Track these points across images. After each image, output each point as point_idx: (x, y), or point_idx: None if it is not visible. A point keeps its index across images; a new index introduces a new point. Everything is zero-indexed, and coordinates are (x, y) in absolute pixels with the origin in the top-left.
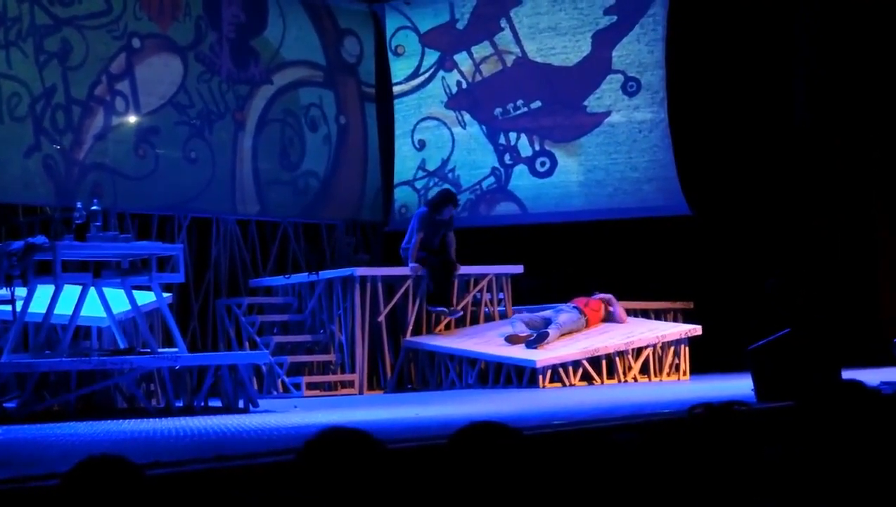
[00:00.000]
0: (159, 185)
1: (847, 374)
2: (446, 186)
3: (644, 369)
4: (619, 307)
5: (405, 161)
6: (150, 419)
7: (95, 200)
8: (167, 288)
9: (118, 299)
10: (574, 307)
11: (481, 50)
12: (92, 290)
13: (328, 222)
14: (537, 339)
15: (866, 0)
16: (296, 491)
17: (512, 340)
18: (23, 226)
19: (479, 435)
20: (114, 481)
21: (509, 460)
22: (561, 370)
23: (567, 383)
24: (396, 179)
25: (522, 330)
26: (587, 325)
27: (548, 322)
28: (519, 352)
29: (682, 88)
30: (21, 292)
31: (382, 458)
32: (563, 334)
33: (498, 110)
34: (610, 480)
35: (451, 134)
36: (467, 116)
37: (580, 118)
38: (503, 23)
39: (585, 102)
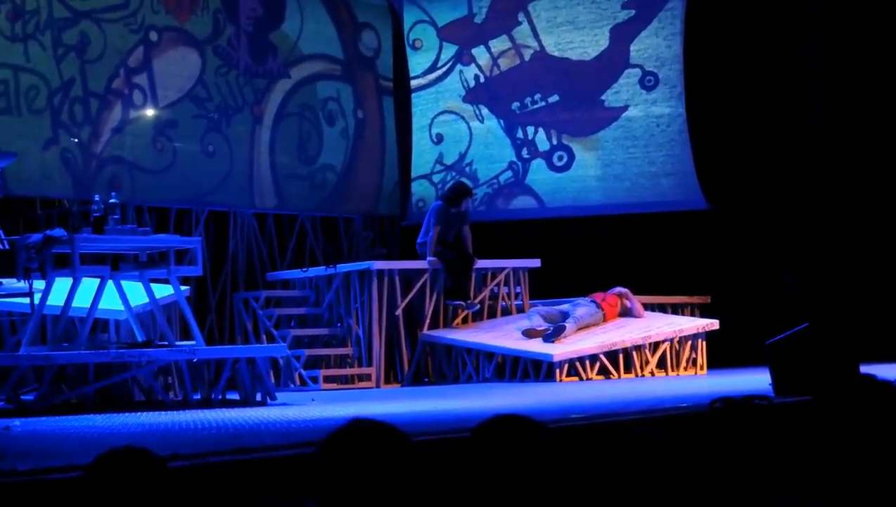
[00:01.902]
0: (177, 178)
1: (865, 369)
2: (461, 179)
3: (661, 364)
4: (635, 301)
5: (423, 155)
6: (168, 412)
7: (113, 193)
8: (185, 281)
9: (136, 292)
10: (591, 301)
11: (499, 44)
12: (110, 283)
13: (345, 216)
14: (554, 333)
15: None
16: (318, 483)
17: (529, 333)
18: (41, 219)
19: (504, 428)
20: (138, 472)
21: (533, 453)
22: (578, 364)
23: (584, 377)
24: (414, 173)
25: (539, 324)
26: (604, 319)
27: (565, 316)
28: (536, 346)
29: (700, 82)
30: (39, 284)
31: (408, 450)
32: (580, 328)
33: (515, 104)
34: (630, 473)
35: (469, 128)
36: (485, 110)
37: (598, 112)
38: (521, 17)
39: (603, 97)
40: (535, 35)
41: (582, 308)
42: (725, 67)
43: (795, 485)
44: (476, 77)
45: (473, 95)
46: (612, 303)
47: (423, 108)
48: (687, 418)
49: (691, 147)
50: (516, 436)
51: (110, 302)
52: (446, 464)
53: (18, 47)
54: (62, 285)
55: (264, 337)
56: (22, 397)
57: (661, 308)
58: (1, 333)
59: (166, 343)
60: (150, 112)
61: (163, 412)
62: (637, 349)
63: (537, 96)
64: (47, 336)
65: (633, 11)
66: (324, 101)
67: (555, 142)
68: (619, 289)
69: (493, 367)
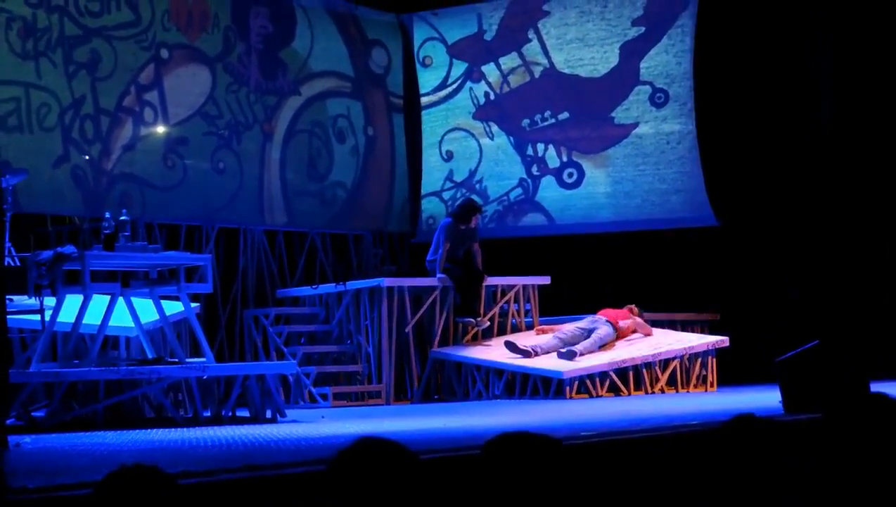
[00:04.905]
0: (187, 195)
1: (876, 386)
2: (471, 196)
3: (671, 381)
4: (642, 320)
5: (433, 172)
6: (178, 429)
7: (124, 211)
8: (195, 298)
9: (146, 309)
10: (607, 322)
11: (509, 61)
12: (120, 300)
13: (355, 233)
14: (566, 355)
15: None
16: (328, 501)
17: (510, 346)
18: (51, 235)
19: (517, 445)
20: (147, 489)
21: (546, 470)
22: (588, 381)
23: (594, 394)
24: (424, 190)
25: (543, 344)
26: (617, 338)
27: (587, 333)
28: (546, 363)
29: (710, 99)
30: (50, 301)
31: (415, 469)
32: (595, 350)
33: (525, 121)
34: (641, 490)
35: (479, 145)
36: (495, 127)
37: (608, 129)
38: (531, 34)
39: (613, 114)
40: (545, 52)
41: (603, 328)
42: (735, 84)
43: (804, 502)
44: (486, 94)
45: (483, 112)
46: (624, 322)
47: (433, 125)
48: (697, 436)
49: (701, 164)
50: (529, 453)
51: (121, 319)
52: (456, 482)
53: (30, 65)
54: (73, 301)
55: (274, 354)
56: (32, 413)
57: (671, 325)
58: (11, 349)
59: (176, 360)
60: (160, 129)
61: (173, 429)
62: (647, 366)
63: (547, 113)
64: (58, 353)
65: (643, 28)
66: (334, 118)
67: (565, 159)
68: (626, 315)
69: (502, 384)
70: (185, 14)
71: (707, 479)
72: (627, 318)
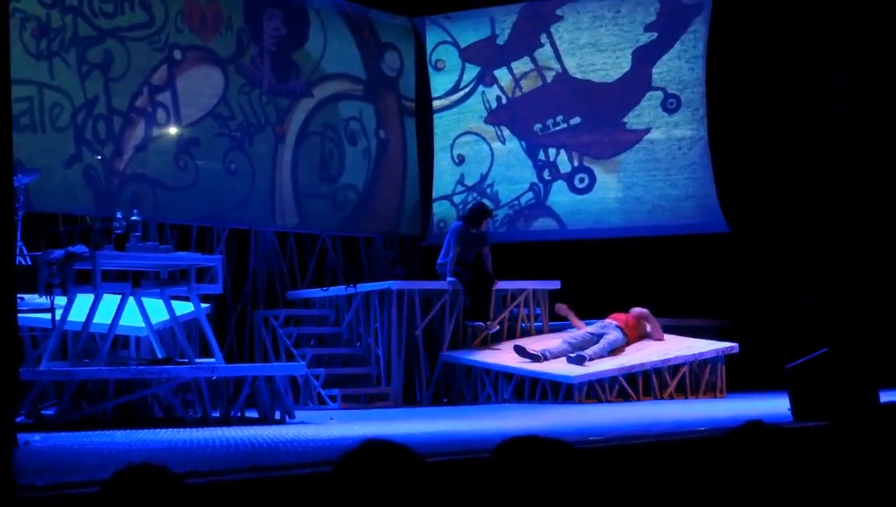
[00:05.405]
0: (199, 196)
1: (886, 394)
2: (482, 199)
3: (680, 387)
4: (655, 324)
5: (444, 176)
6: (187, 429)
7: (135, 211)
8: (205, 299)
9: (156, 309)
10: (616, 327)
11: (521, 65)
12: (131, 299)
13: (366, 236)
14: (576, 360)
15: None
16: (333, 503)
17: (520, 350)
18: (63, 235)
19: (526, 448)
20: (154, 489)
21: (555, 474)
22: (597, 386)
23: (603, 400)
24: (435, 194)
25: (553, 348)
26: (627, 343)
27: (597, 338)
28: (555, 367)
29: (722, 105)
30: (60, 300)
31: (421, 472)
32: (605, 355)
33: (537, 126)
34: (649, 495)
35: (491, 149)
36: (507, 132)
37: (620, 135)
38: (543, 38)
39: (625, 119)
40: (558, 57)
41: (613, 333)
42: (747, 90)
43: (810, 501)
44: (498, 98)
45: (495, 117)
46: (633, 326)
47: (444, 128)
48: (706, 442)
49: (713, 170)
50: (540, 457)
51: (131, 319)
52: (464, 485)
53: (43, 65)
54: (83, 301)
55: (284, 355)
56: (42, 412)
57: (681, 331)
58: (22, 348)
59: (186, 360)
60: (172, 130)
61: (181, 429)
62: (656, 372)
63: (559, 118)
64: (68, 352)
65: (656, 34)
66: (346, 120)
67: (576, 164)
68: (638, 310)
69: (511, 388)
70: (198, 15)
71: (714, 485)
72: (636, 321)
